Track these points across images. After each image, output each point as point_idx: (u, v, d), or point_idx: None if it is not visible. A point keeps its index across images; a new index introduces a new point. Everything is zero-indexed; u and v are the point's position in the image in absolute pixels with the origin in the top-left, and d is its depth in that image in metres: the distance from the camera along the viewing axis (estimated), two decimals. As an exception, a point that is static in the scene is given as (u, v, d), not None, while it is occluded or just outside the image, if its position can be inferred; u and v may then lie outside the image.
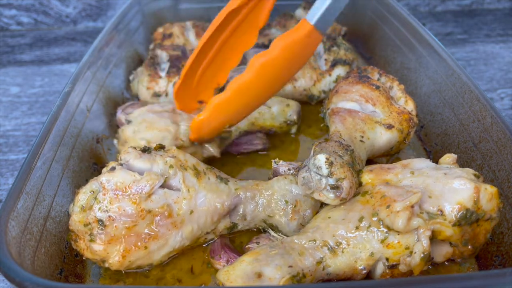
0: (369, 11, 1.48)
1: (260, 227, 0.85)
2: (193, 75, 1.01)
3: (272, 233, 0.83)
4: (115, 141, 0.97)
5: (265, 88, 0.88)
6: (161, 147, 0.84)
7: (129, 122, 0.95)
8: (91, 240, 0.72)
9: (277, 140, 1.10)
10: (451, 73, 1.04)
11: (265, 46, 1.33)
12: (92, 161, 0.97)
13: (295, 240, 0.72)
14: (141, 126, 0.91)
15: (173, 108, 0.96)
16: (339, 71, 1.18)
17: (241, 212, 0.83)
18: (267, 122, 1.06)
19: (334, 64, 1.18)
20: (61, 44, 1.76)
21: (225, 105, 0.87)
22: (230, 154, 1.05)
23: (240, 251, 0.81)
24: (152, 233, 0.73)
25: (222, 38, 0.98)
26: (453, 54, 1.55)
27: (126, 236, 0.72)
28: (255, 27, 0.98)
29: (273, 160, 0.88)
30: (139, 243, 0.73)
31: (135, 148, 0.79)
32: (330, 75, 1.18)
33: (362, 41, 1.52)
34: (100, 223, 0.71)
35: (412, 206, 0.67)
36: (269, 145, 1.08)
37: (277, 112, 1.06)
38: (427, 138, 1.10)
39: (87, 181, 0.78)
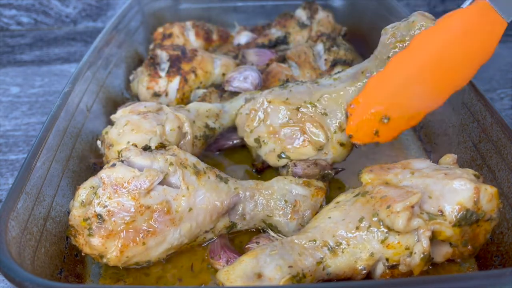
0: (369, 11, 1.48)
1: (260, 227, 0.85)
2: None
3: (272, 233, 0.83)
4: (98, 142, 0.94)
5: (430, 71, 0.78)
6: (162, 146, 0.84)
7: (112, 123, 0.92)
8: (90, 235, 0.72)
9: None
10: (451, 73, 1.04)
11: (265, 46, 1.34)
12: (92, 161, 0.97)
13: (295, 240, 0.72)
14: (126, 128, 0.88)
15: (157, 108, 0.95)
16: (339, 71, 1.18)
17: (240, 211, 0.83)
18: None
19: (334, 64, 1.18)
20: (61, 44, 1.76)
21: (380, 81, 0.79)
22: (208, 153, 1.06)
23: (239, 251, 0.81)
24: (151, 229, 0.74)
25: None
26: (453, 54, 1.54)
27: (124, 232, 0.72)
28: None
29: (289, 163, 0.89)
30: (137, 239, 0.73)
31: (136, 145, 0.79)
32: (330, 75, 1.18)
33: (362, 41, 1.52)
34: (99, 217, 0.71)
35: (412, 207, 0.67)
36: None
37: None
38: (427, 138, 1.10)
39: (87, 181, 0.79)
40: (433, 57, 0.76)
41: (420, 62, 0.76)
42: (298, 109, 0.89)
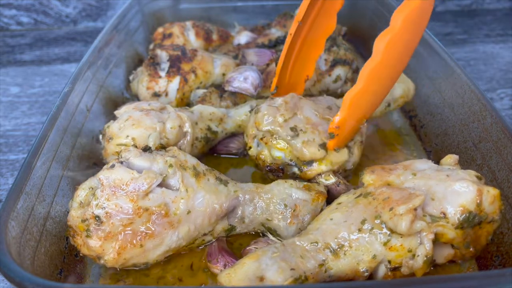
0: (369, 11, 1.48)
1: (259, 231, 0.85)
2: (285, 73, 1.02)
3: (271, 236, 0.83)
4: (100, 136, 0.96)
5: (393, 68, 0.85)
6: (162, 147, 0.84)
7: (115, 118, 0.94)
8: (88, 236, 0.72)
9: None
10: (451, 73, 1.04)
11: (265, 46, 1.33)
12: (92, 161, 0.97)
13: (297, 242, 0.72)
14: (127, 123, 0.90)
15: (160, 107, 0.96)
16: (339, 71, 1.18)
17: (239, 214, 0.82)
18: None
19: (334, 64, 1.18)
20: (61, 44, 1.76)
21: (360, 97, 0.83)
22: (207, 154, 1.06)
23: (238, 254, 0.80)
24: (149, 231, 0.73)
25: (306, 28, 0.98)
26: (453, 54, 1.55)
27: (122, 233, 0.72)
28: (334, 10, 0.98)
29: (321, 179, 0.87)
30: (134, 241, 0.73)
31: (136, 147, 0.79)
32: (330, 75, 1.18)
33: (362, 41, 1.52)
34: (97, 219, 0.71)
35: (415, 209, 0.67)
36: (244, 152, 1.05)
37: None
38: (427, 138, 1.10)
39: (87, 181, 0.78)
40: (392, 57, 0.82)
41: (384, 66, 0.82)
42: None
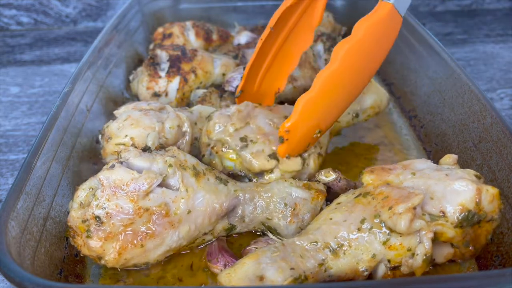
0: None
1: (259, 230, 0.85)
2: (253, 80, 0.99)
3: (271, 235, 0.83)
4: (99, 136, 0.96)
5: (353, 78, 0.83)
6: (162, 147, 0.84)
7: (114, 118, 0.94)
8: (88, 237, 0.72)
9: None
10: (451, 73, 1.04)
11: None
12: (92, 161, 0.97)
13: (297, 242, 0.72)
14: (126, 122, 0.90)
15: (159, 107, 0.96)
16: None
17: (239, 213, 0.82)
18: None
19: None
20: (61, 44, 1.76)
21: (313, 103, 0.81)
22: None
23: (238, 254, 0.80)
24: (149, 231, 0.73)
25: (279, 40, 0.96)
26: (453, 54, 1.54)
27: (122, 234, 0.72)
28: (310, 26, 0.95)
29: (321, 176, 0.84)
30: (135, 241, 0.73)
31: (135, 147, 0.79)
32: None
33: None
34: (98, 219, 0.71)
35: (414, 208, 0.67)
36: None
37: None
38: (427, 138, 1.10)
39: (87, 181, 0.78)
40: (352, 66, 0.81)
41: (342, 75, 0.81)
42: None
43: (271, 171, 0.87)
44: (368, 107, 1.05)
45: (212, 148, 0.90)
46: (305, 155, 0.89)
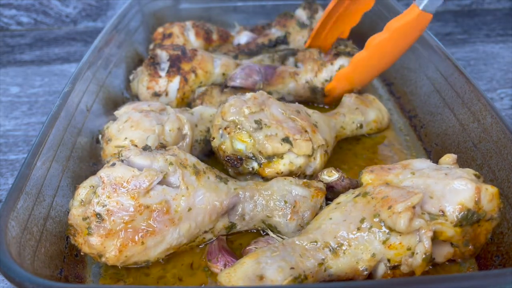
0: (369, 11, 1.48)
1: (259, 228, 0.85)
2: (322, 32, 1.26)
3: (271, 234, 0.83)
4: (100, 137, 0.96)
5: (377, 63, 1.11)
6: (162, 146, 0.84)
7: (115, 118, 0.94)
8: (89, 234, 0.72)
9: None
10: (451, 73, 1.04)
11: (265, 46, 1.34)
12: (92, 161, 0.97)
13: (296, 242, 0.72)
14: (126, 124, 0.90)
15: (160, 108, 0.96)
16: (342, 61, 1.17)
17: (239, 211, 0.82)
18: None
19: (337, 54, 1.17)
20: (61, 44, 1.76)
21: (347, 76, 1.14)
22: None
23: (238, 254, 0.80)
24: (150, 228, 0.73)
25: (344, 4, 1.20)
26: (453, 54, 1.54)
27: (123, 231, 0.72)
28: None
29: (324, 176, 0.85)
30: (136, 238, 0.73)
31: (136, 145, 0.79)
32: (332, 64, 1.17)
33: (362, 41, 1.52)
34: (98, 217, 0.71)
35: (414, 207, 0.67)
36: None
37: None
38: (427, 138, 1.10)
39: (87, 181, 0.78)
40: (380, 53, 1.08)
41: (371, 60, 1.10)
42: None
43: (281, 156, 0.88)
44: (371, 120, 1.11)
45: (225, 129, 0.90)
46: (315, 146, 0.91)
